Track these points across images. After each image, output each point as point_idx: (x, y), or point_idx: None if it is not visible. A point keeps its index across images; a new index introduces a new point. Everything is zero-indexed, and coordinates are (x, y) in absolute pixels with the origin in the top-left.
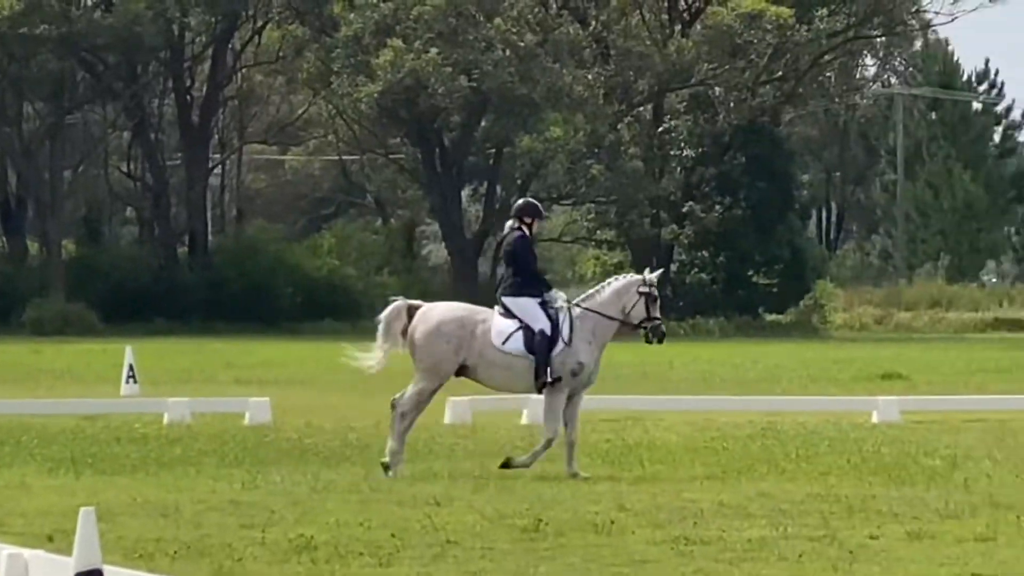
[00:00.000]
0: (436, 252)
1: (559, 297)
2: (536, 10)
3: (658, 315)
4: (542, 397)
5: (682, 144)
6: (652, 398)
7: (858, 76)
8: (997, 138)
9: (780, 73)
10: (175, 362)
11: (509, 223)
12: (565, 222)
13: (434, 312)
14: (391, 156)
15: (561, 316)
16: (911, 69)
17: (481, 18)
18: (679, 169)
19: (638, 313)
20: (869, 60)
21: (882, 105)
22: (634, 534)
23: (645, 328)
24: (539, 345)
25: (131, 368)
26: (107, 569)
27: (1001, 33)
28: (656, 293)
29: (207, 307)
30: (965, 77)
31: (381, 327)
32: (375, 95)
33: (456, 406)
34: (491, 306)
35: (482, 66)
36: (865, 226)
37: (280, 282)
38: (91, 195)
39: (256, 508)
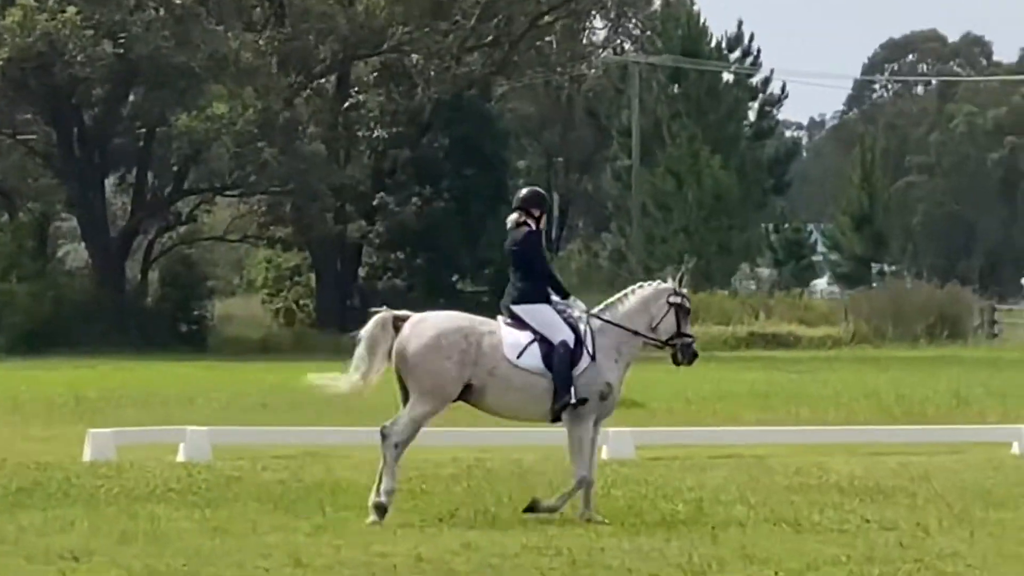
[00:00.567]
0: (75, 253)
1: (578, 305)
2: None
3: (690, 331)
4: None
5: (372, 123)
6: (334, 429)
7: (585, 42)
8: (752, 116)
9: (491, 37)
10: None
11: (513, 217)
12: (231, 216)
13: (428, 323)
14: (19, 137)
15: (582, 327)
16: (649, 33)
17: None
18: (369, 153)
19: (667, 327)
20: (598, 22)
21: (614, 77)
22: None
23: (674, 346)
24: (560, 360)
25: None
26: None
27: None
28: (689, 304)
29: None
30: (713, 43)
31: (363, 344)
32: (0, 63)
33: (97, 439)
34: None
35: (130, 28)
36: (594, 222)
37: None
38: None
39: None
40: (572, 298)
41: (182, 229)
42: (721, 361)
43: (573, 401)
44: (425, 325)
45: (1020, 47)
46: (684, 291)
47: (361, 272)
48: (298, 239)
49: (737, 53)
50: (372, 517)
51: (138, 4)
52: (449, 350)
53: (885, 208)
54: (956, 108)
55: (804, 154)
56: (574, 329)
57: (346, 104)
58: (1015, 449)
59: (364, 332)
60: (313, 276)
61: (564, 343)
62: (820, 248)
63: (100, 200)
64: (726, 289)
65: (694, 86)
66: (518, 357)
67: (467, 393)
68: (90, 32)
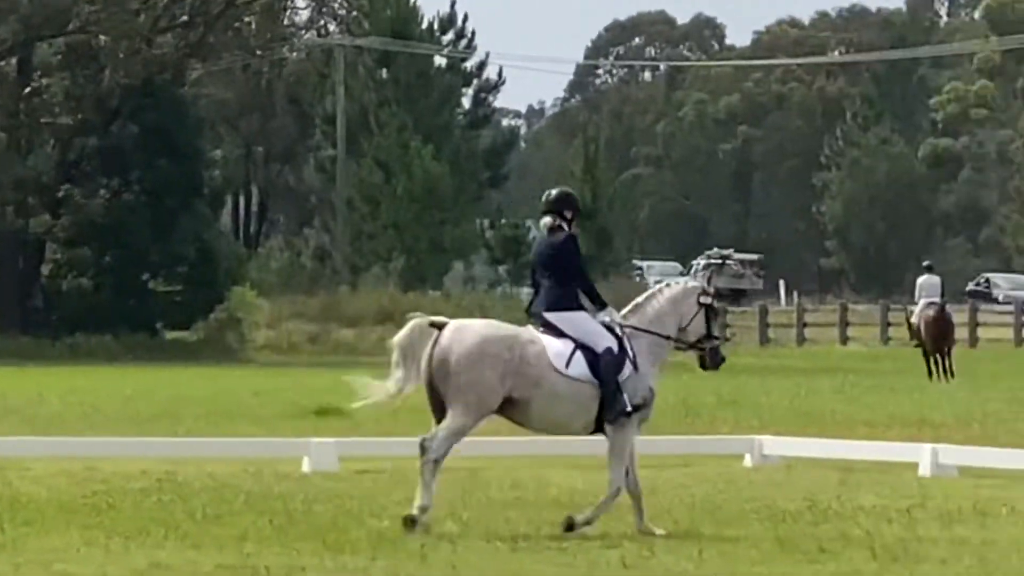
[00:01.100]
0: None
1: (612, 313)
2: None
3: (719, 333)
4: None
5: (57, 109)
6: (14, 440)
7: (287, 23)
8: (467, 103)
9: (185, 17)
10: None
11: (547, 221)
12: None
13: (471, 330)
14: None
15: (618, 332)
16: (355, 14)
17: None
18: (53, 142)
19: (696, 329)
20: (301, 2)
21: (318, 60)
22: None
23: (703, 349)
24: (607, 367)
25: None
26: None
27: None
28: (717, 305)
29: None
30: (425, 25)
31: (397, 351)
32: None
33: None
34: None
35: None
36: (296, 217)
37: None
38: None
39: None
40: (609, 308)
41: None
42: None
43: (628, 409)
44: (467, 332)
45: (753, 30)
46: (711, 291)
47: (44, 270)
48: None
49: (450, 35)
50: (408, 529)
51: None
52: (493, 359)
53: (609, 202)
54: (685, 95)
55: (523, 145)
56: (615, 335)
57: (28, 89)
58: (747, 461)
59: (398, 338)
60: None
61: (609, 350)
62: None
63: None
64: (439, 290)
65: (404, 71)
66: (566, 366)
67: (507, 406)
68: None
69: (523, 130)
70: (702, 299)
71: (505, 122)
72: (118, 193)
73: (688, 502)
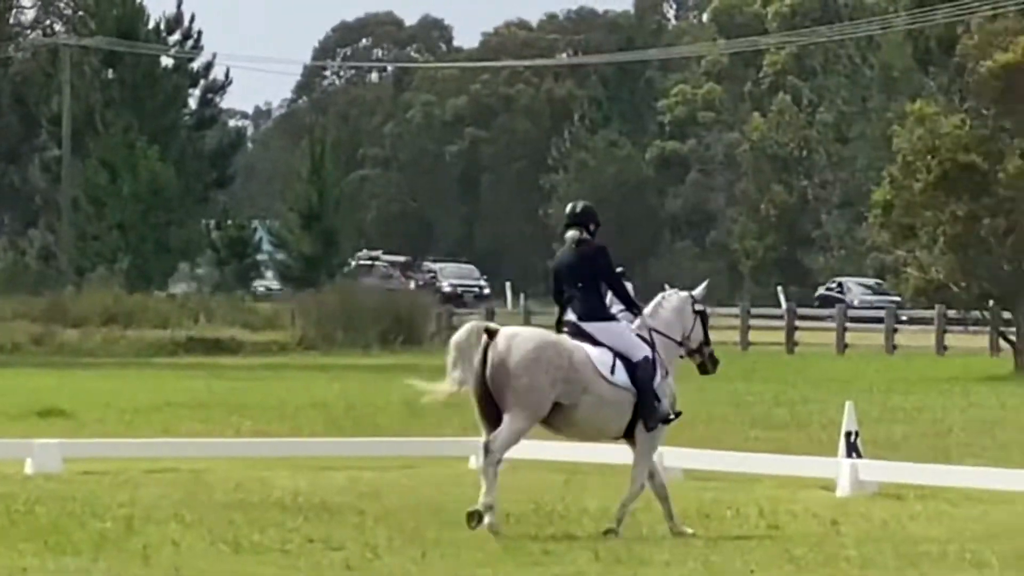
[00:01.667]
0: None
1: (645, 320)
2: None
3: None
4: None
5: None
6: None
7: (12, 21)
8: (194, 104)
9: None
10: None
11: (573, 234)
12: None
13: (525, 337)
14: None
15: (650, 341)
16: (81, 14)
17: None
18: None
19: (696, 336)
20: (27, 1)
21: (43, 60)
22: None
23: (702, 355)
24: (645, 376)
25: None
26: None
27: None
28: (707, 312)
29: None
30: (152, 25)
31: (453, 354)
32: None
33: None
34: None
35: None
36: (21, 217)
37: None
38: None
39: None
40: (643, 315)
41: None
42: (158, 368)
43: (672, 417)
44: (523, 338)
45: (481, 32)
46: (700, 300)
47: None
48: None
49: (177, 36)
50: (472, 523)
51: None
52: (547, 365)
53: (336, 203)
54: (413, 97)
55: (249, 146)
56: (647, 343)
57: None
58: (472, 463)
59: (456, 339)
60: None
61: (647, 359)
62: (266, 247)
63: None
64: (164, 291)
65: (130, 71)
66: (611, 373)
67: (552, 412)
68: None
69: (250, 131)
70: (696, 307)
71: (232, 123)
72: None
73: (412, 504)
